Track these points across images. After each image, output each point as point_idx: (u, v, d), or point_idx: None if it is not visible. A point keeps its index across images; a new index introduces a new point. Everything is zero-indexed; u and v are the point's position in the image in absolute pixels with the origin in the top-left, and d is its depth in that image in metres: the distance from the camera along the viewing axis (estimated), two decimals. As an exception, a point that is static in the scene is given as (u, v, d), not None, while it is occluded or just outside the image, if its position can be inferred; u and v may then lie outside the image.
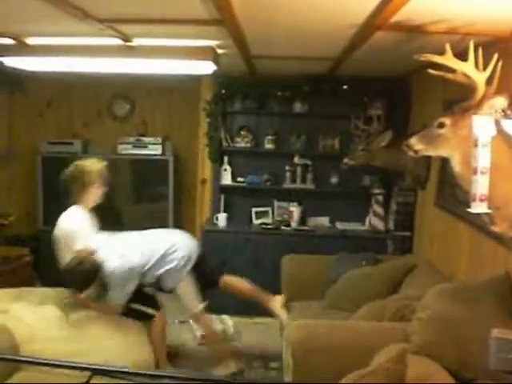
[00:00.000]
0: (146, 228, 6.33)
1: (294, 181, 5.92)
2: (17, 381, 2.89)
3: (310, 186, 5.90)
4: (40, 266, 6.32)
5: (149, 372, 1.50)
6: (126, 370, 1.55)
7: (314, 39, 3.49)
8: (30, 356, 1.78)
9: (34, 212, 6.68)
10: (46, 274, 6.40)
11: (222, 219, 5.77)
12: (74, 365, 1.56)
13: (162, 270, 4.20)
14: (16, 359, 1.79)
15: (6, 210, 6.74)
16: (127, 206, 6.63)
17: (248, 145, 5.91)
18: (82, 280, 3.98)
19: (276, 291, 5.02)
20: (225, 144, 5.89)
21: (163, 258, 4.20)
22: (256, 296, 4.62)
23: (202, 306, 4.36)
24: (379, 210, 5.63)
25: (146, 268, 4.13)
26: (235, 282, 4.62)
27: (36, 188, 6.53)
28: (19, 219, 6.86)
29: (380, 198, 5.65)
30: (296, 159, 5.87)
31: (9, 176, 7.06)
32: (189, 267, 4.29)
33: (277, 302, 4.56)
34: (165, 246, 4.25)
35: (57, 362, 1.65)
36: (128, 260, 4.03)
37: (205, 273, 4.45)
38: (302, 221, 5.88)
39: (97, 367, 1.53)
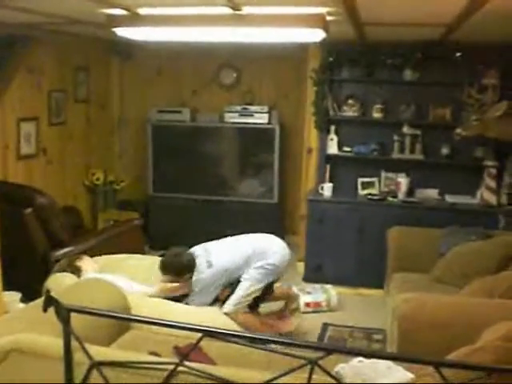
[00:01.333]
0: (249, 195, 6.48)
1: (402, 151, 5.81)
2: (128, 339, 3.06)
3: (418, 156, 5.78)
4: (149, 229, 6.58)
5: (262, 336, 1.55)
6: (238, 333, 1.61)
7: (428, 3, 3.39)
8: (143, 316, 1.88)
9: (144, 178, 6.95)
10: (154, 237, 6.68)
11: (327, 189, 5.76)
12: (185, 325, 1.64)
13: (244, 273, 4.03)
14: (131, 318, 1.90)
15: (118, 176, 7.06)
16: (232, 173, 6.76)
17: (355, 114, 5.85)
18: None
19: (381, 262, 5.01)
20: (332, 113, 5.85)
21: (249, 263, 4.00)
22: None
23: None
24: (491, 183, 5.43)
25: (234, 276, 4.01)
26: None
27: (146, 155, 6.77)
28: (130, 185, 7.17)
29: (493, 170, 5.45)
30: (405, 129, 5.75)
31: (121, 144, 7.38)
32: (273, 278, 4.11)
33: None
34: (254, 251, 4.04)
35: (169, 322, 1.73)
36: (215, 271, 3.99)
37: None
38: (410, 192, 5.78)
39: (208, 329, 1.60)
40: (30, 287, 4.32)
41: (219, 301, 4.04)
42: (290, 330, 4.40)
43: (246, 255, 4.00)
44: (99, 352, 1.87)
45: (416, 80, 5.68)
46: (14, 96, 5.50)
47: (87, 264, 4.13)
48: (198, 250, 4.15)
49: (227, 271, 3.98)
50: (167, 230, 6.68)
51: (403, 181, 5.75)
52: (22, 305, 4.16)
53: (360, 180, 5.93)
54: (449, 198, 5.67)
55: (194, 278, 4.00)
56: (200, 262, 4.03)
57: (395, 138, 5.80)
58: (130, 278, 4.05)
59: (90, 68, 6.73)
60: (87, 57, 6.68)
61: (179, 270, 4.04)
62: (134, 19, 4.00)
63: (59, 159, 6.26)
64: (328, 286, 5.31)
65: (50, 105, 6.02)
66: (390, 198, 5.68)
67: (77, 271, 4.01)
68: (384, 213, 5.50)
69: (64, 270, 4.06)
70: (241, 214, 6.50)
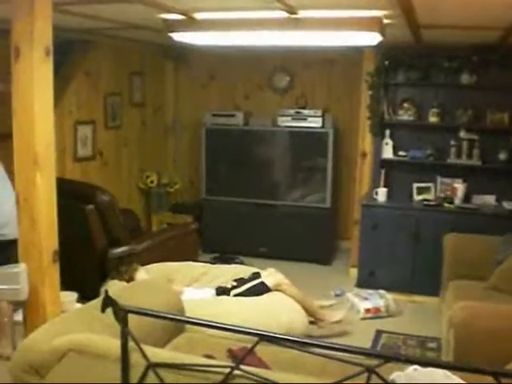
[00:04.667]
0: (301, 200, 6.46)
1: (459, 156, 5.70)
2: (183, 341, 3.09)
3: (476, 161, 5.66)
4: (201, 232, 6.60)
5: (319, 342, 1.54)
6: (294, 338, 1.60)
7: (485, 7, 3.32)
8: (198, 318, 1.89)
9: (197, 181, 7.02)
10: (207, 240, 6.72)
11: (381, 194, 5.71)
12: (241, 329, 1.64)
13: None
14: (188, 320, 1.92)
15: (171, 179, 7.15)
16: (285, 177, 6.75)
17: (411, 118, 5.77)
18: None
19: (436, 269, 4.93)
20: (387, 117, 5.79)
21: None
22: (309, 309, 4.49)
23: None
24: (553, 189, 5.29)
25: None
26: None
27: (199, 158, 6.83)
28: (183, 188, 7.26)
29: (553, 176, 5.30)
30: (462, 133, 5.64)
31: (175, 147, 7.47)
32: None
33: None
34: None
35: (224, 326, 1.74)
36: None
37: None
38: (466, 198, 5.66)
39: (265, 333, 1.60)
40: (87, 286, 4.41)
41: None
42: (338, 319, 4.55)
43: None
44: (155, 353, 1.89)
45: (473, 84, 5.56)
46: (72, 100, 5.63)
47: (142, 276, 4.27)
48: None
49: None
50: (219, 233, 6.72)
51: (460, 186, 5.64)
52: (78, 305, 4.24)
53: (415, 185, 5.85)
54: (507, 205, 5.54)
55: None
56: None
57: (452, 142, 5.69)
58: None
59: (145, 72, 6.84)
60: (142, 61, 6.80)
61: None
62: (191, 24, 4.05)
63: (114, 162, 6.37)
64: (383, 292, 5.25)
65: (106, 108, 6.14)
66: (446, 204, 5.58)
67: (132, 280, 4.13)
68: (440, 219, 5.41)
69: (121, 278, 4.19)
70: (293, 219, 6.49)
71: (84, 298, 4.13)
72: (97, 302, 2.50)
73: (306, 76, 6.88)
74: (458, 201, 5.59)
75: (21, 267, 3.15)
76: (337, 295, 5.47)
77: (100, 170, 6.10)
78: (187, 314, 3.29)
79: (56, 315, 3.06)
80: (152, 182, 6.85)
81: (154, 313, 1.87)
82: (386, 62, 5.65)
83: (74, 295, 4.33)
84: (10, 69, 2.97)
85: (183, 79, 7.33)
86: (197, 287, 4.48)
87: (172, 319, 2.00)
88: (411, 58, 5.60)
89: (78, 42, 5.62)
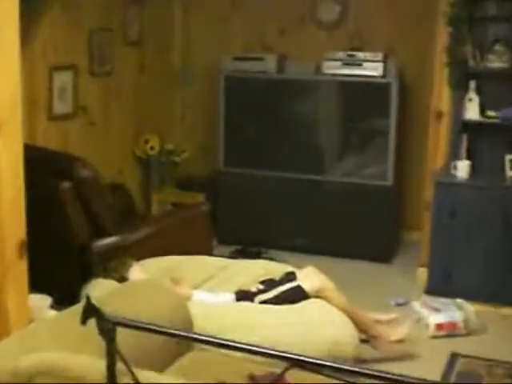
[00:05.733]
0: (354, 174, 6.48)
1: None
2: (189, 362, 3.13)
3: None
4: (217, 216, 6.64)
5: (366, 371, 1.56)
6: (344, 365, 1.61)
7: None
8: (206, 334, 1.92)
9: (213, 148, 7.02)
10: (224, 228, 6.74)
11: (462, 168, 5.67)
12: (268, 351, 1.66)
13: None
14: (196, 337, 1.93)
15: (178, 145, 7.16)
16: (332, 144, 6.74)
17: (505, 65, 5.72)
18: None
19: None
20: (472, 63, 5.74)
21: None
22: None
23: None
24: None
25: None
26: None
27: (216, 117, 6.85)
28: (194, 157, 7.28)
29: None
30: None
31: (182, 102, 7.48)
32: None
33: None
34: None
35: (244, 345, 1.76)
36: None
37: None
38: None
39: (299, 357, 1.62)
40: (63, 288, 4.47)
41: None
42: (400, 337, 4.55)
43: None
44: (151, 379, 1.92)
45: None
46: (45, 37, 5.64)
47: (136, 274, 4.30)
48: None
49: None
50: (241, 217, 6.76)
51: None
52: (52, 312, 4.31)
53: (508, 157, 5.81)
54: None
55: None
56: None
57: (561, 99, 5.65)
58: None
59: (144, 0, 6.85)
60: (141, -15, 6.81)
61: None
62: None
63: (103, 121, 6.42)
64: (461, 301, 5.25)
65: (91, 49, 6.17)
66: (551, 183, 5.55)
67: (123, 280, 4.18)
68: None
69: (109, 277, 4.24)
70: (342, 200, 6.50)
71: (59, 303, 4.19)
72: (76, 310, 2.54)
73: (363, 6, 6.83)
74: None
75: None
76: (398, 305, 5.47)
77: (83, 132, 6.15)
78: (197, 327, 3.33)
79: (23, 326, 3.12)
80: (152, 148, 6.89)
81: (152, 326, 1.90)
82: (473, -12, 5.61)
83: (46, 299, 4.39)
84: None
85: (195, 9, 7.32)
86: (210, 290, 4.52)
87: (175, 335, 2.03)
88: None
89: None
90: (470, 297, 5.39)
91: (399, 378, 1.62)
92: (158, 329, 1.95)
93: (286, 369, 1.66)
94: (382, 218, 6.41)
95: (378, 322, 4.74)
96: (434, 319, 5.05)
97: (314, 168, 6.65)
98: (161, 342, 2.86)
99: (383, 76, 6.36)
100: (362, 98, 6.51)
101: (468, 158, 5.77)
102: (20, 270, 3.24)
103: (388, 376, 1.62)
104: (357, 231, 6.45)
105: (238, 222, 6.77)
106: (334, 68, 6.50)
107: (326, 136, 6.76)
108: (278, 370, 1.70)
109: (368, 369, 1.60)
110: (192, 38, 7.38)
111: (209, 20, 7.27)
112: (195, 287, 4.53)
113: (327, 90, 6.66)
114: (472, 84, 5.78)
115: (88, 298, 1.85)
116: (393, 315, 4.96)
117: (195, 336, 2.42)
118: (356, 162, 6.61)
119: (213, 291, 4.49)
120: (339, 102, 6.69)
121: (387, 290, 5.72)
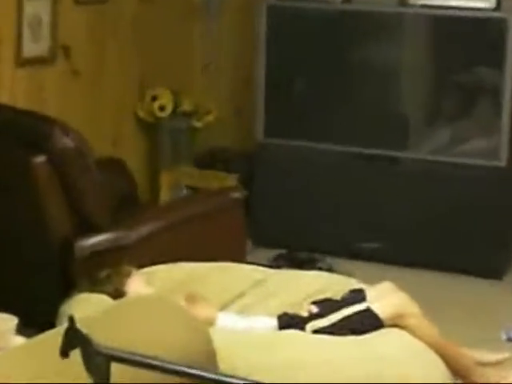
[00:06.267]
0: (451, 151, 6.48)
1: None
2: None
3: None
4: (253, 207, 6.60)
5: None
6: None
7: None
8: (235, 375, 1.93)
9: (249, 111, 7.04)
10: (262, 223, 6.73)
11: None
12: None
13: None
14: (221, 380, 1.93)
15: (198, 105, 7.14)
16: (419, 107, 6.74)
17: None
18: None
19: None
20: None
21: None
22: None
23: None
24: None
25: None
26: None
27: (254, 66, 6.86)
28: (221, 122, 7.26)
29: None
30: None
31: (205, 43, 7.46)
32: None
33: None
34: None
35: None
36: None
37: None
38: None
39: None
40: (36, 305, 4.51)
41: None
42: None
43: None
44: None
45: None
46: None
47: (138, 287, 4.32)
48: None
49: None
50: (287, 210, 6.76)
51: None
52: (19, 339, 4.35)
53: None
54: None
55: None
56: None
57: None
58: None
59: None
60: None
61: None
62: None
63: (92, 69, 6.44)
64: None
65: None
66: None
67: (120, 295, 4.21)
68: None
69: (100, 291, 4.28)
70: (431, 187, 6.49)
71: (30, 324, 4.24)
72: (53, 336, 2.57)
73: None
74: None
75: None
76: (511, 339, 5.46)
77: (64, 84, 6.17)
78: (222, 362, 3.36)
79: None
80: (162, 108, 6.90)
81: (159, 362, 1.91)
82: None
83: (12, 320, 4.45)
84: None
85: None
86: (241, 312, 4.53)
87: (191, 375, 2.04)
88: None
89: None
90: None
91: None
92: (167, 366, 1.96)
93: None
94: (491, 214, 6.36)
95: (482, 363, 4.73)
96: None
97: (391, 141, 6.64)
98: (170, 380, 2.89)
99: (496, 8, 6.32)
100: (465, 40, 6.47)
101: None
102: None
103: None
104: (453, 233, 6.42)
105: (281, 217, 6.77)
106: (426, -2, 6.49)
107: (410, 95, 6.76)
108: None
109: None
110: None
111: None
112: (221, 307, 4.54)
113: (414, 28, 6.65)
114: None
115: (71, 320, 1.86)
116: (505, 355, 4.95)
117: (219, 378, 2.44)
118: (453, 133, 6.59)
119: (245, 313, 4.50)
120: (431, 47, 6.68)
121: (496, 318, 5.70)
